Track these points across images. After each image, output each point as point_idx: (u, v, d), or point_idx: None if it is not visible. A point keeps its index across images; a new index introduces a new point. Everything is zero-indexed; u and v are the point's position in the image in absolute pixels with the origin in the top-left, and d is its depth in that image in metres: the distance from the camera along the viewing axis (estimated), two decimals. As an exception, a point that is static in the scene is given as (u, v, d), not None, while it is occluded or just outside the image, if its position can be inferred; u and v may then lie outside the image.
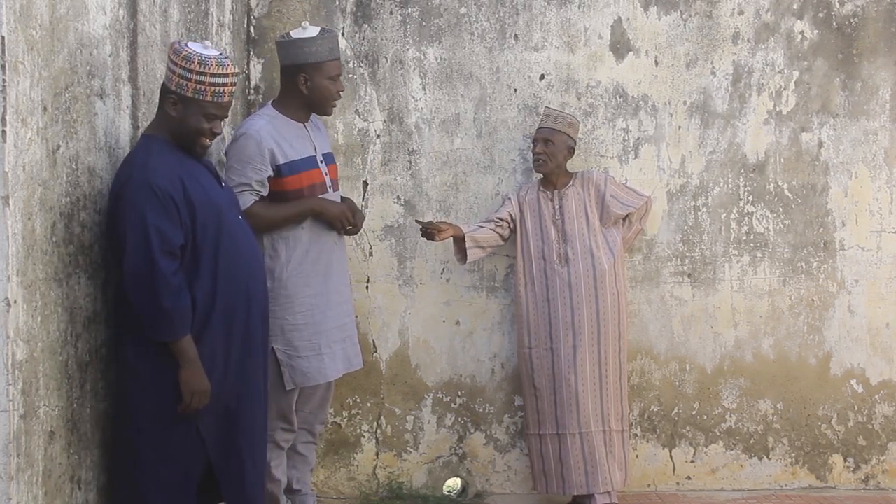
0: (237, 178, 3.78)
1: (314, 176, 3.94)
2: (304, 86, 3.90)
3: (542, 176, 4.54)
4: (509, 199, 4.56)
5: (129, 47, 3.21)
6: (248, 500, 3.18)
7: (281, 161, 3.84)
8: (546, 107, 4.57)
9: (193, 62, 2.99)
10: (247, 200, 3.77)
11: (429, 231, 4.31)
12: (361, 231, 4.62)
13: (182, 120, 3.05)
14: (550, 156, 4.43)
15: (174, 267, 2.92)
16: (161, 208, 2.91)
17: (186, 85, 3.01)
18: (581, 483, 4.35)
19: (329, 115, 4.09)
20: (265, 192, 3.84)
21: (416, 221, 4.43)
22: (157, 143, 3.04)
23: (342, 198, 4.16)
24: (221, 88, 3.04)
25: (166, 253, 2.91)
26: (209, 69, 3.00)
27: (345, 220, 3.99)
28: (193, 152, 3.13)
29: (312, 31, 3.93)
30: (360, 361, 4.17)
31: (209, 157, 3.39)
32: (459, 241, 4.43)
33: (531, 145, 4.67)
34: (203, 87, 3.01)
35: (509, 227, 4.51)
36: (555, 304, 4.40)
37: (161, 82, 3.41)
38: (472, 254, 4.44)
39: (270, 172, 3.83)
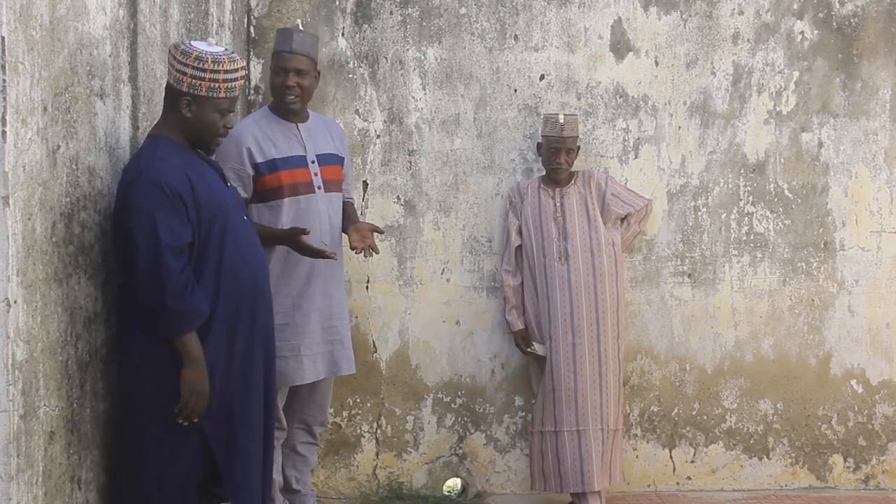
0: None
1: (296, 175, 3.90)
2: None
3: (544, 173, 4.55)
4: (514, 203, 4.54)
5: (129, 47, 3.21)
6: (252, 500, 3.18)
7: (259, 160, 3.85)
8: (565, 113, 4.47)
9: (206, 61, 3.00)
10: None
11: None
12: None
13: (198, 119, 3.06)
14: (571, 164, 4.45)
15: (182, 264, 2.93)
16: (169, 206, 2.92)
17: (200, 84, 3.02)
18: (577, 481, 4.35)
19: (284, 109, 3.94)
20: (246, 193, 3.83)
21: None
22: (164, 142, 3.05)
23: (350, 221, 4.06)
24: (233, 84, 3.06)
25: (175, 250, 2.91)
26: (221, 66, 3.02)
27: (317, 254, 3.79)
28: (208, 150, 3.17)
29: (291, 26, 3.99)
30: (351, 367, 4.07)
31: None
32: (522, 330, 4.55)
33: (532, 146, 4.68)
34: (217, 85, 3.03)
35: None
36: (554, 302, 4.40)
37: (161, 82, 3.42)
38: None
39: (250, 171, 3.83)
